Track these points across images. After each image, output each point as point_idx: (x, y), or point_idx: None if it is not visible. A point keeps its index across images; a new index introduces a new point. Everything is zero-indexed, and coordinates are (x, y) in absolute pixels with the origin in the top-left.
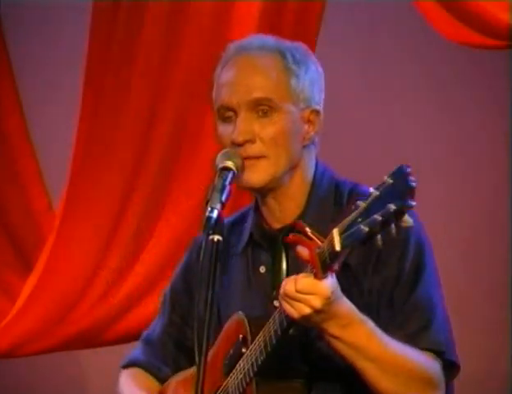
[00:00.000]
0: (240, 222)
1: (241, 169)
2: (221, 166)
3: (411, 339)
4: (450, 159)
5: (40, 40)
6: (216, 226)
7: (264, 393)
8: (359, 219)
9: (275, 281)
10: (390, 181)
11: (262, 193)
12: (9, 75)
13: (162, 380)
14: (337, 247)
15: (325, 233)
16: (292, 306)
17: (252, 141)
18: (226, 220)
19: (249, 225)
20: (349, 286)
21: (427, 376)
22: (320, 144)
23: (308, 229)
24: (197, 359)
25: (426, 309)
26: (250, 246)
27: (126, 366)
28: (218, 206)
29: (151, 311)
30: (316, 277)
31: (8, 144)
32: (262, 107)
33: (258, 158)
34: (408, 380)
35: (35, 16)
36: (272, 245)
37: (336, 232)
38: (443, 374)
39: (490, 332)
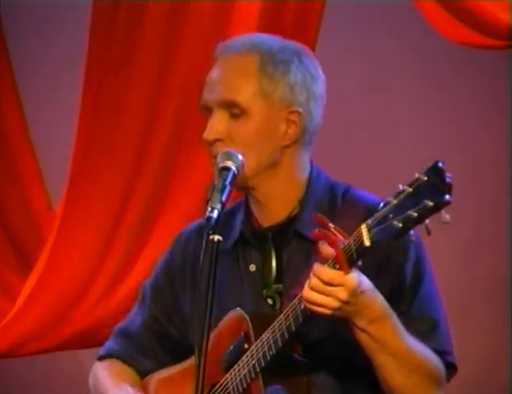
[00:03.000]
0: (229, 216)
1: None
2: (221, 165)
3: (419, 339)
4: (450, 159)
5: (40, 40)
6: (216, 226)
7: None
8: (391, 215)
9: (265, 279)
10: (425, 178)
11: (247, 192)
12: (9, 75)
13: (142, 372)
14: (367, 242)
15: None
16: (320, 301)
17: (222, 140)
18: None
19: (238, 221)
20: None
21: (436, 375)
22: (320, 143)
23: (331, 224)
24: (197, 360)
25: (432, 310)
26: (240, 243)
27: (102, 358)
28: (218, 206)
29: None
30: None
31: (8, 144)
32: (233, 110)
33: None
34: (420, 377)
35: (35, 16)
36: (262, 243)
37: (364, 228)
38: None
39: (490, 332)
